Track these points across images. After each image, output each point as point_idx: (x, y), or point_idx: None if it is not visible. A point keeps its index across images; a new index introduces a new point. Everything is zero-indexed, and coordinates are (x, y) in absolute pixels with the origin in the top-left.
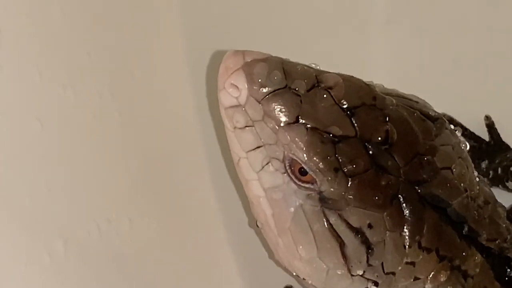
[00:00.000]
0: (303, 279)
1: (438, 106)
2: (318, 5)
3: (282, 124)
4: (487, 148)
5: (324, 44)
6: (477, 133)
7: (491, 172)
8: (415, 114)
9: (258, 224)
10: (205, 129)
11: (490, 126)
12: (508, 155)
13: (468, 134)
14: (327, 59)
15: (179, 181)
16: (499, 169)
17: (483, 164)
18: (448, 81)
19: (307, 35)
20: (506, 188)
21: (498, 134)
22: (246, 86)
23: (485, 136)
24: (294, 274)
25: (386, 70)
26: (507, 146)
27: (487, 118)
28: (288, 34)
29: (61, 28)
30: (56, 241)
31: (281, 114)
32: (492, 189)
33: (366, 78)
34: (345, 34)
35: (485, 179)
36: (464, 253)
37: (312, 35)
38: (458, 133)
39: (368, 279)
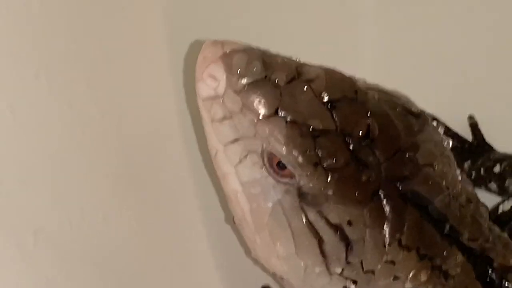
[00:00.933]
0: (281, 277)
1: (422, 104)
2: None
3: (260, 117)
4: (470, 149)
5: (309, 36)
6: (460, 133)
7: (473, 172)
8: (397, 109)
9: (235, 220)
10: (183, 121)
11: (474, 126)
12: (491, 156)
13: (451, 134)
14: (312, 51)
15: (155, 175)
16: (482, 170)
17: (466, 165)
18: (433, 80)
19: (291, 26)
20: (488, 189)
21: (482, 135)
22: (224, 77)
23: (469, 137)
24: (272, 272)
25: (371, 65)
26: (490, 146)
27: (471, 118)
28: (271, 25)
29: (37, 15)
30: (25, 233)
31: (260, 106)
32: (474, 190)
33: (351, 71)
34: (331, 27)
35: (469, 180)
36: (445, 253)
37: (297, 26)
38: (440, 131)
39: (346, 277)
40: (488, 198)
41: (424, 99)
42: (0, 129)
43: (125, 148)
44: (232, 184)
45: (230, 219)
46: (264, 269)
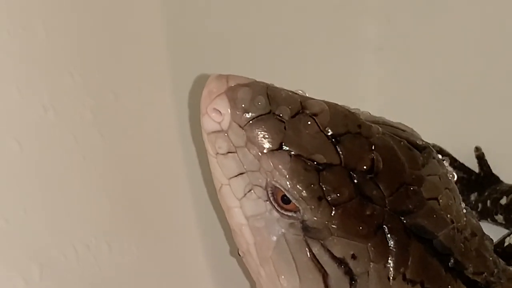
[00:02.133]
0: None
1: (428, 136)
2: (308, 31)
3: (265, 151)
4: (477, 180)
5: (313, 70)
6: (466, 164)
7: (480, 204)
8: (402, 142)
9: (240, 253)
10: (187, 154)
11: (480, 157)
12: (497, 188)
13: (457, 165)
14: (317, 85)
15: (160, 206)
16: (488, 202)
17: (473, 196)
18: (438, 110)
19: (296, 60)
20: (495, 221)
21: (488, 166)
22: (229, 111)
23: (475, 168)
24: None
25: (376, 97)
26: (497, 178)
27: (477, 149)
28: (275, 59)
29: (43, 47)
30: (31, 265)
31: (264, 140)
32: (481, 222)
33: (355, 105)
34: (335, 60)
35: (474, 212)
36: (449, 286)
37: (301, 61)
38: (446, 163)
39: None
40: (494, 230)
41: (430, 131)
42: (6, 160)
43: (129, 179)
44: (237, 218)
45: (235, 252)
46: None
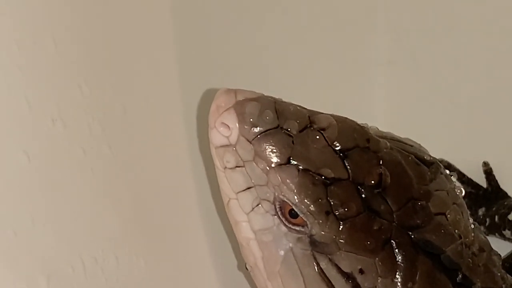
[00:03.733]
0: None
1: (436, 150)
2: (318, 45)
3: (273, 165)
4: (485, 195)
5: (323, 84)
6: (474, 179)
7: (488, 219)
8: (410, 158)
9: (247, 267)
10: (196, 168)
11: (488, 172)
12: (505, 203)
13: (465, 180)
14: (326, 99)
15: (168, 220)
16: (496, 217)
17: (480, 211)
18: (446, 125)
19: (305, 75)
20: (503, 236)
21: (496, 181)
22: (237, 125)
23: (483, 183)
24: None
25: (385, 111)
26: (505, 193)
27: (485, 164)
28: (284, 74)
29: (53, 60)
30: (39, 277)
31: (272, 155)
32: (489, 237)
33: (364, 118)
34: (345, 74)
35: (482, 227)
36: None
37: (311, 75)
38: (454, 179)
39: None
40: (502, 246)
41: (438, 145)
42: (15, 173)
43: (138, 194)
44: (244, 232)
45: (243, 266)
46: None
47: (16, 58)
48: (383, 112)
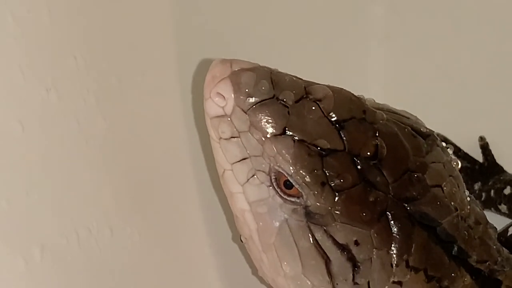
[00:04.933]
0: None
1: (432, 125)
2: (315, 19)
3: (268, 136)
4: (481, 170)
5: (319, 58)
6: (471, 154)
7: (483, 194)
8: (406, 129)
9: (242, 239)
10: (191, 139)
11: (484, 147)
12: (501, 177)
13: (461, 155)
14: (323, 72)
15: (162, 191)
16: (492, 191)
17: (476, 186)
18: (443, 100)
19: (301, 48)
20: (498, 211)
21: (492, 156)
22: (233, 95)
23: (479, 158)
24: None
25: (382, 85)
26: (501, 168)
27: (482, 139)
28: (280, 45)
29: (47, 30)
30: (32, 248)
31: (268, 125)
32: (484, 212)
33: (361, 92)
34: (342, 48)
35: (478, 201)
36: (453, 274)
37: (307, 48)
38: (450, 151)
39: None
40: (498, 220)
41: (434, 121)
42: (9, 142)
43: (131, 163)
44: (239, 203)
45: (237, 238)
46: None
47: (10, 29)
48: (379, 86)
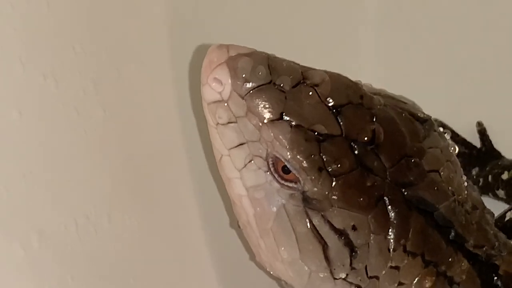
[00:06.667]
0: (285, 282)
1: (429, 110)
2: (309, 3)
3: (265, 121)
4: (478, 155)
5: (312, 40)
6: (468, 139)
7: (481, 179)
8: (403, 115)
9: (239, 224)
10: (188, 125)
11: (482, 132)
12: (499, 163)
13: (459, 140)
14: (316, 56)
15: (160, 179)
16: (490, 177)
17: (474, 171)
18: (440, 86)
19: (296, 33)
20: (496, 196)
21: (490, 141)
22: (230, 81)
23: (477, 143)
24: (276, 277)
25: (377, 71)
26: (499, 153)
27: (479, 124)
28: (275, 30)
29: (47, 20)
30: (30, 234)
31: (265, 111)
32: (482, 197)
33: (354, 77)
34: (335, 31)
35: (475, 187)
36: (450, 259)
37: (302, 33)
38: (447, 136)
39: (351, 283)
40: (495, 205)
41: (431, 107)
42: (6, 129)
43: (130, 151)
44: (237, 189)
45: (235, 223)
46: (268, 273)
47: (10, 18)
48: (374, 71)
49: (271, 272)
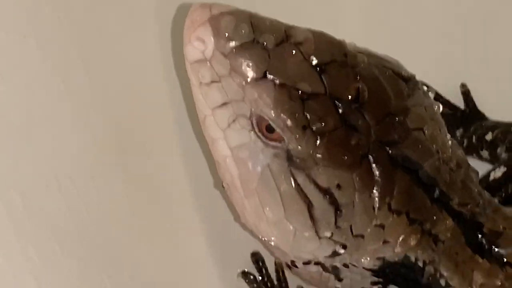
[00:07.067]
0: (270, 242)
1: (413, 72)
2: None
3: (249, 80)
4: (462, 116)
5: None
6: (452, 101)
7: (465, 140)
8: (387, 73)
9: (224, 185)
10: (171, 85)
11: (466, 94)
12: (483, 124)
13: (443, 101)
14: (299, 16)
15: (143, 140)
16: (474, 138)
17: (458, 133)
18: (424, 47)
19: None
20: (480, 157)
21: (474, 103)
22: (212, 39)
23: (461, 104)
24: (261, 237)
25: (360, 30)
26: (483, 114)
27: (463, 86)
28: None
29: None
30: (13, 194)
31: (248, 69)
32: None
33: (339, 36)
34: None
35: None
36: (435, 217)
37: None
38: (431, 96)
39: (336, 242)
40: (479, 166)
41: (414, 68)
42: None
43: (113, 113)
44: (221, 149)
45: (219, 184)
46: (253, 234)
47: None
48: (360, 31)
49: (256, 233)
